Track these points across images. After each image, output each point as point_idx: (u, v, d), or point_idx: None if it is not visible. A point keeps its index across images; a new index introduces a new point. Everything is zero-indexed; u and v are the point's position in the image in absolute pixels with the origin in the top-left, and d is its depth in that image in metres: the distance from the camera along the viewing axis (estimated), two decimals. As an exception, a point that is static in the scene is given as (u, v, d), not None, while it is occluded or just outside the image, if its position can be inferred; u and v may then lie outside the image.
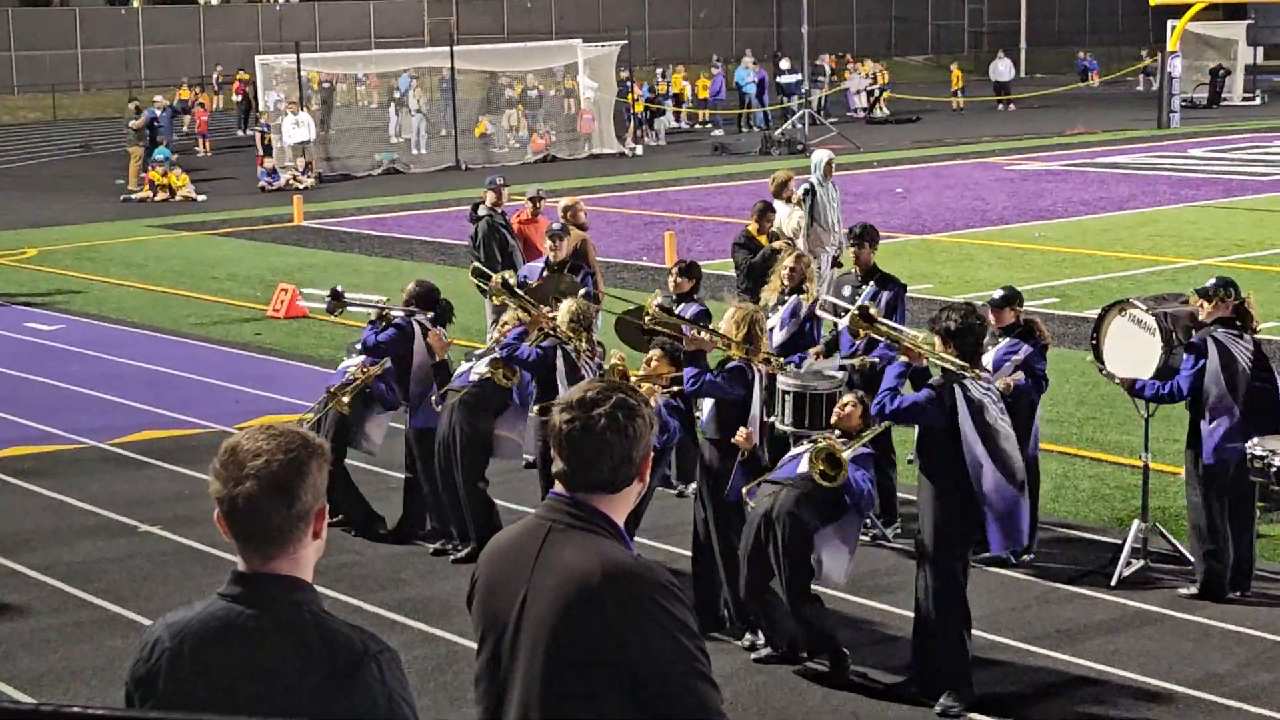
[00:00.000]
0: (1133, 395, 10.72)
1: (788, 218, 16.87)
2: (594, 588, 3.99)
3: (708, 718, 3.98)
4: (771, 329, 12.32)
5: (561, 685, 4.02)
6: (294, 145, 35.86)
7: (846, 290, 12.75)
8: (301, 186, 34.19)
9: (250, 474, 3.52)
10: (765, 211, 15.59)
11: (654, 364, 10.11)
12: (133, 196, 33.90)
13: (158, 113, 37.24)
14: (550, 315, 11.16)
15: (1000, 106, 51.39)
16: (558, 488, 4.19)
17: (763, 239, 15.33)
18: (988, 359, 10.86)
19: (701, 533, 10.07)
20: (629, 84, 42.63)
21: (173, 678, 3.56)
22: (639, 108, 43.24)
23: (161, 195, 33.47)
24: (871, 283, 12.54)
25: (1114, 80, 59.34)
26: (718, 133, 45.49)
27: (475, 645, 4.28)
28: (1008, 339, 11.00)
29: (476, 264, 14.45)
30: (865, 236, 12.74)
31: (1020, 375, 10.74)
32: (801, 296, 12.37)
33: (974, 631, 8.99)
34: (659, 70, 49.29)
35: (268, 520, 3.54)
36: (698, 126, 47.54)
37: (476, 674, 4.25)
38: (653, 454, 4.24)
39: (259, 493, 3.52)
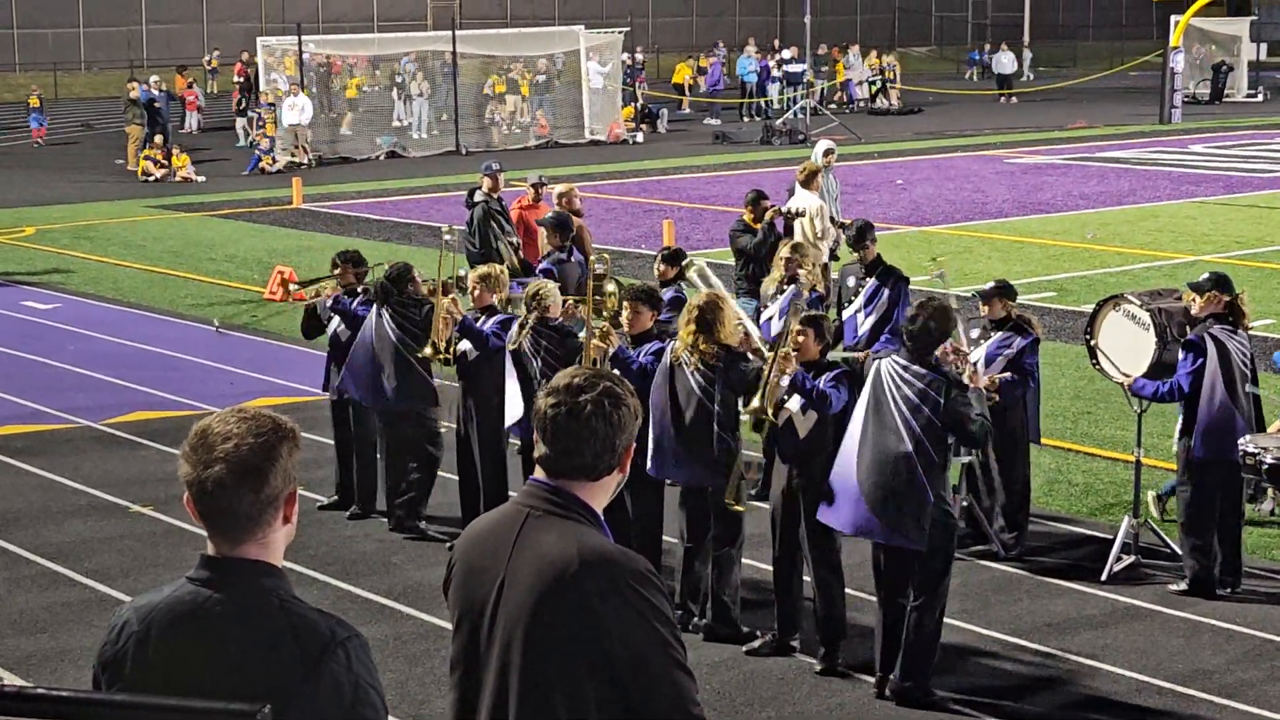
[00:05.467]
0: (1132, 394, 10.67)
1: (810, 211, 16.77)
2: (572, 574, 3.97)
3: (684, 706, 3.96)
4: (770, 319, 12.36)
5: (538, 672, 4.01)
6: (288, 127, 35.80)
7: (851, 281, 12.92)
8: (300, 164, 34.33)
9: (220, 457, 3.48)
10: (758, 200, 15.61)
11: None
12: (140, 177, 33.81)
13: (155, 93, 37.09)
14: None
15: (1002, 99, 51.36)
16: (538, 473, 4.17)
17: (757, 227, 15.37)
18: (980, 353, 10.88)
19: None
20: (630, 72, 42.49)
21: (139, 662, 3.54)
22: (629, 113, 42.98)
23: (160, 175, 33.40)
24: (873, 277, 12.70)
25: (1115, 74, 59.27)
26: (713, 121, 45.29)
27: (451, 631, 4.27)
28: (1000, 333, 10.99)
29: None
30: (863, 236, 12.90)
31: (1008, 374, 10.78)
32: (800, 285, 12.40)
33: (965, 625, 8.97)
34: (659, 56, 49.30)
35: (237, 504, 3.50)
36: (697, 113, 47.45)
37: (452, 660, 4.24)
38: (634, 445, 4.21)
39: (228, 476, 3.48)
